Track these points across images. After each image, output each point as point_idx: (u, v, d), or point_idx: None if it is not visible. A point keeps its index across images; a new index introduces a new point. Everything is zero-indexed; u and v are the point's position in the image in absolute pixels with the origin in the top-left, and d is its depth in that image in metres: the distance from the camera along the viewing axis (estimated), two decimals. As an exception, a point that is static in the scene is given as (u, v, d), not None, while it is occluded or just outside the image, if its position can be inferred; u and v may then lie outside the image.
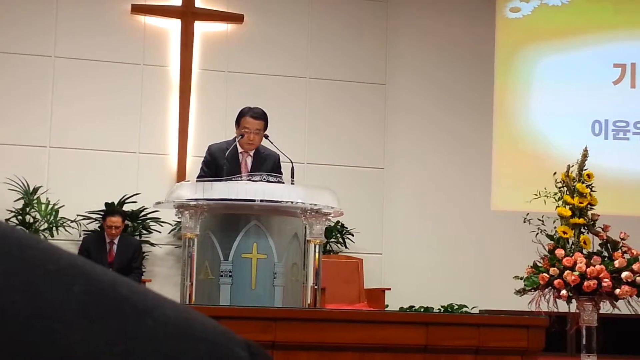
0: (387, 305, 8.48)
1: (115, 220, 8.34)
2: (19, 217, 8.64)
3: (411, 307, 8.50)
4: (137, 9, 9.27)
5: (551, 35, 10.09)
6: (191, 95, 9.32)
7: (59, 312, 0.48)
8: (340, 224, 9.13)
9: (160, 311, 0.51)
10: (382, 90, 9.81)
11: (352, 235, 9.31)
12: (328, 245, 8.96)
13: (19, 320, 0.46)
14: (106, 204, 8.73)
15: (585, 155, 6.27)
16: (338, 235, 9.21)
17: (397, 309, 6.12)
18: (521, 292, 6.08)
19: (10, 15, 8.99)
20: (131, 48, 9.24)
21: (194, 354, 0.50)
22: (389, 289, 8.73)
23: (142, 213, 8.88)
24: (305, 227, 5.39)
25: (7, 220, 8.63)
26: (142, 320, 0.50)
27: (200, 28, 9.45)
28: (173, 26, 9.38)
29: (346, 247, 9.29)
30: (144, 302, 0.51)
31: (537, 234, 6.08)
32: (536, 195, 5.98)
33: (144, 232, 8.89)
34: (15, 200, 8.67)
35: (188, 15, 9.38)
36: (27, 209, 8.65)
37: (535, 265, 6.09)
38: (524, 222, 6.04)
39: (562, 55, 10.07)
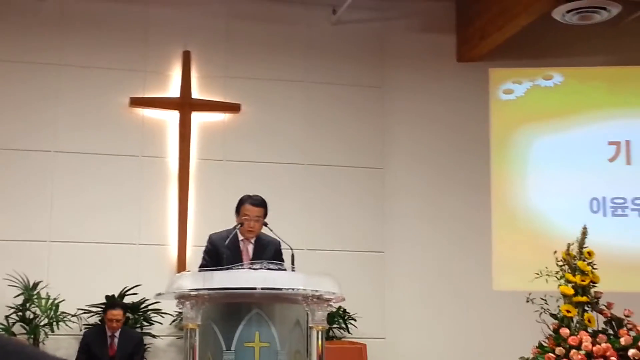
0: (393, 391, 8.37)
1: (116, 313, 8.28)
2: (19, 313, 8.58)
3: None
4: (136, 102, 9.38)
5: (545, 116, 10.20)
6: (190, 185, 9.37)
7: None
8: (342, 309, 9.07)
9: None
10: (379, 175, 9.87)
11: (355, 320, 9.24)
12: (331, 331, 8.89)
13: None
14: (107, 297, 8.69)
15: (584, 233, 6.28)
16: (340, 320, 9.15)
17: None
18: (528, 373, 6.01)
19: (12, 111, 9.08)
20: (130, 140, 9.32)
21: None
22: (394, 374, 8.63)
23: (143, 305, 8.83)
24: (308, 314, 5.35)
25: (7, 316, 8.58)
26: None
27: (198, 118, 9.55)
28: (171, 118, 9.47)
29: (349, 332, 9.22)
30: None
31: (541, 313, 6.04)
32: (538, 274, 5.97)
33: (145, 323, 8.82)
34: (16, 296, 8.63)
35: (186, 106, 9.48)
36: (28, 305, 8.60)
37: (540, 346, 6.04)
38: (527, 301, 6.01)
39: (557, 135, 10.16)
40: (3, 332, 8.23)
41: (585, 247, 6.21)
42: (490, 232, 9.95)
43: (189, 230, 9.22)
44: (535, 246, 9.49)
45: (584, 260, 6.14)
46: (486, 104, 10.21)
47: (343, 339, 9.08)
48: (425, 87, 10.16)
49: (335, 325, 9.05)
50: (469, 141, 10.08)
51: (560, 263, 6.18)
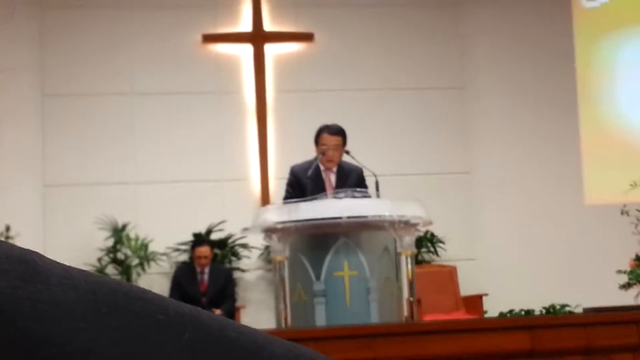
0: (486, 312, 8.28)
1: (204, 250, 8.36)
2: (110, 255, 8.74)
3: (511, 311, 8.28)
4: (208, 39, 9.32)
5: (632, 21, 9.79)
6: (268, 118, 9.32)
7: None
8: (430, 233, 8.99)
9: (269, 350, 0.52)
10: (461, 95, 9.66)
11: (443, 243, 9.16)
12: (419, 255, 8.82)
13: None
14: (194, 235, 8.77)
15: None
16: (429, 244, 9.08)
17: (497, 315, 5.95)
18: (626, 286, 5.85)
19: (89, 58, 9.13)
20: (205, 78, 9.29)
21: None
22: (487, 295, 8.53)
23: (230, 240, 8.89)
24: (395, 240, 5.29)
25: (99, 259, 8.74)
26: None
27: (272, 50, 9.45)
28: (244, 52, 9.40)
29: (438, 256, 9.15)
30: (253, 342, 0.52)
31: (637, 225, 5.86)
32: (632, 184, 5.77)
33: (233, 258, 8.90)
34: (106, 239, 8.77)
35: (258, 39, 9.39)
36: (118, 246, 8.75)
37: (637, 258, 5.86)
38: (621, 214, 5.82)
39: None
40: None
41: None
42: (579, 145, 9.69)
43: (270, 164, 9.20)
44: (628, 157, 9.21)
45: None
46: (569, 14, 9.85)
47: (432, 263, 9.01)
48: (502, 2, 9.85)
49: (424, 250, 8.98)
50: (553, 54, 9.77)
51: (655, 172, 5.96)
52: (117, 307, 0.49)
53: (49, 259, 0.51)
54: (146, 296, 0.51)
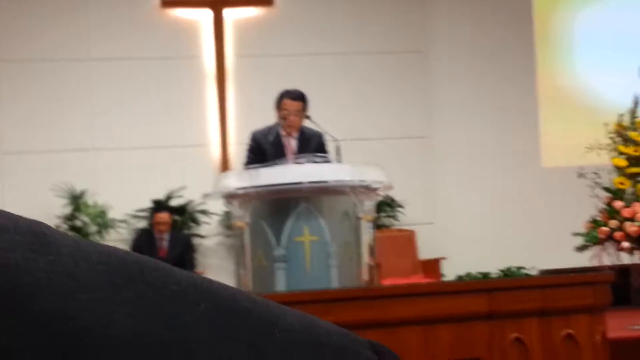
0: (444, 275, 8.37)
1: (163, 216, 8.34)
2: (68, 222, 8.67)
3: (468, 274, 8.38)
4: (167, 3, 9.23)
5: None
6: (228, 83, 9.27)
7: (192, 332, 0.47)
8: (389, 198, 9.03)
9: (284, 320, 0.51)
10: (421, 59, 9.67)
11: (403, 207, 9.21)
12: (379, 219, 8.86)
13: (156, 344, 0.46)
14: (153, 201, 8.73)
15: (636, 103, 6.10)
16: (388, 208, 9.12)
17: (455, 278, 6.01)
18: (582, 248, 5.94)
19: (44, 22, 9.00)
20: (164, 42, 9.20)
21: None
22: (445, 259, 8.62)
23: (189, 206, 8.86)
24: (356, 205, 5.30)
25: (57, 226, 8.67)
26: (269, 332, 0.50)
27: (231, 15, 9.38)
28: (204, 16, 9.32)
29: (397, 220, 9.20)
30: (267, 312, 0.51)
31: (593, 187, 5.93)
32: (588, 147, 5.83)
33: (193, 225, 8.88)
34: (63, 206, 8.70)
35: (218, 3, 9.31)
36: (76, 214, 8.68)
37: (594, 220, 5.94)
38: (578, 176, 5.89)
39: (603, 5, 9.83)
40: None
41: (637, 117, 6.04)
42: (537, 109, 9.77)
43: (230, 129, 9.17)
44: (585, 121, 9.29)
45: (636, 130, 5.98)
46: (527, -20, 9.88)
47: (392, 227, 9.06)
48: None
49: (383, 214, 9.02)
50: (512, 19, 9.79)
51: (612, 135, 6.02)
52: (131, 278, 0.48)
53: (57, 229, 0.49)
54: (158, 266, 0.50)
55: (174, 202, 8.83)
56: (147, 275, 0.49)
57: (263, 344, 0.49)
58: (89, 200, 8.72)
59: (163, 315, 0.47)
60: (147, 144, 9.05)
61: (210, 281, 0.51)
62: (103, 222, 8.65)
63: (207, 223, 8.92)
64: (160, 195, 8.79)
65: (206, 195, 5.62)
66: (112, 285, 0.47)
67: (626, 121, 6.04)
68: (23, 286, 0.45)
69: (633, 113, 6.06)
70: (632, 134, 5.95)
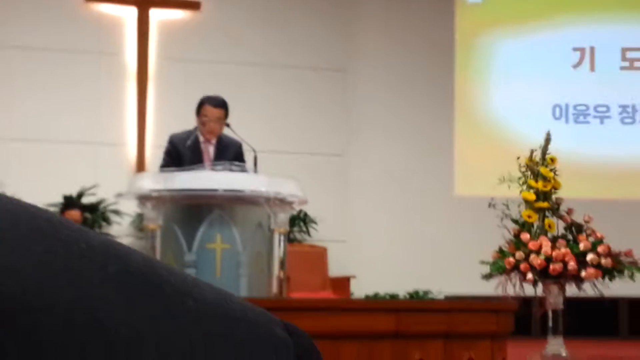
0: (352, 293, 8.43)
1: (74, 213, 8.21)
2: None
3: (376, 294, 8.47)
4: (92, -3, 9.11)
5: (511, 20, 10.08)
6: (149, 84, 9.19)
7: (100, 292, 0.46)
8: (303, 213, 9.06)
9: (199, 291, 0.50)
10: (342, 78, 9.75)
11: (316, 223, 9.24)
12: (292, 234, 8.88)
13: (64, 301, 0.45)
14: (64, 197, 8.58)
15: (548, 140, 6.24)
16: (301, 223, 9.15)
17: (362, 297, 6.07)
18: (488, 276, 6.04)
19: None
20: (87, 37, 9.08)
21: (237, 333, 0.50)
22: (354, 277, 8.68)
23: (102, 205, 8.74)
24: (270, 216, 5.31)
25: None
26: (183, 301, 0.49)
27: (157, 15, 9.31)
28: (129, 14, 9.23)
29: (310, 236, 9.23)
30: (183, 283, 0.50)
31: (502, 218, 6.04)
32: (500, 180, 5.94)
33: (104, 223, 8.76)
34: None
35: (144, 2, 9.23)
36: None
37: (501, 250, 6.05)
38: (489, 206, 5.99)
39: (522, 40, 10.07)
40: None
41: (548, 154, 6.19)
42: (453, 138, 9.93)
43: (148, 130, 9.08)
44: (498, 153, 9.49)
45: (546, 167, 6.12)
46: (452, 8, 10.06)
47: (304, 242, 9.09)
48: (389, -11, 9.97)
49: (296, 229, 9.05)
50: (434, 47, 9.96)
51: (523, 169, 6.15)
52: (41, 232, 0.47)
53: None
54: (70, 225, 0.49)
55: (86, 200, 8.70)
56: (58, 231, 0.48)
57: (175, 311, 0.48)
58: (-2, 191, 8.53)
59: (72, 271, 0.46)
60: (63, 138, 8.90)
61: (128, 248, 0.50)
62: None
63: (118, 223, 8.81)
64: (73, 191, 8.65)
65: (119, 195, 5.54)
66: (20, 236, 0.46)
67: (537, 156, 6.18)
68: None
69: (544, 149, 6.20)
70: (542, 170, 6.09)
